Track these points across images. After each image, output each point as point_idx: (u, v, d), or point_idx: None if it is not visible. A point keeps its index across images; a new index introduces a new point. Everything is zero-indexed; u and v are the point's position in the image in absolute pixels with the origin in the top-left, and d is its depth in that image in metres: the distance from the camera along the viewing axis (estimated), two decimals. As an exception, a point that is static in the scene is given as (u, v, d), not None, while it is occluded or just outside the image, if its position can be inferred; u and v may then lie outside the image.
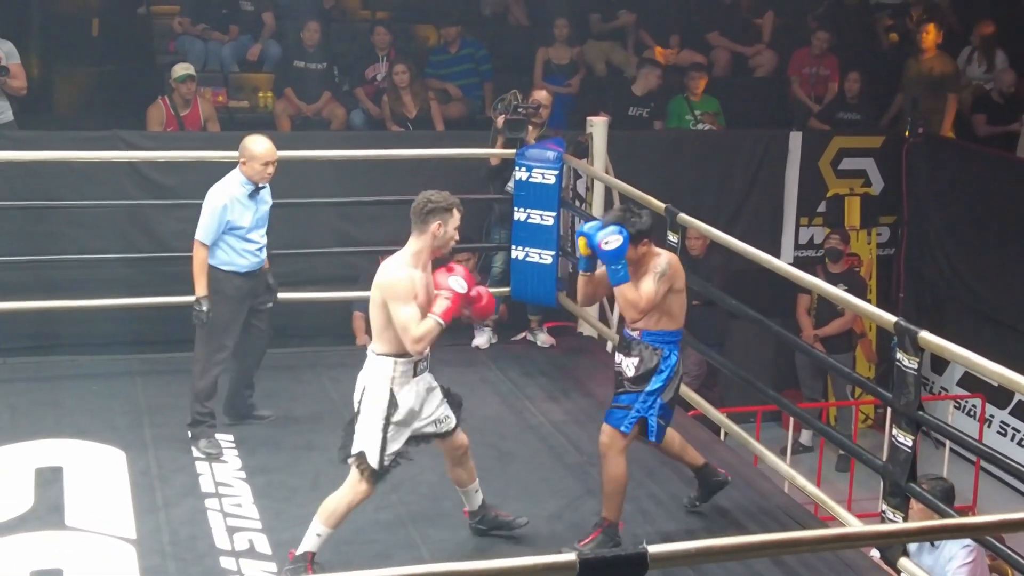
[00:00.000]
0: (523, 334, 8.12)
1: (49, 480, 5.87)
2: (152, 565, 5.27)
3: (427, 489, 5.82)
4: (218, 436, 6.41)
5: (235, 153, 6.81)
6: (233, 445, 6.37)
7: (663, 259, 5.49)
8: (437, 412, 5.22)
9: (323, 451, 6.38)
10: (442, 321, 5.00)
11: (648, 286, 5.43)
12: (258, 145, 6.23)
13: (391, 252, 8.23)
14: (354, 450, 5.12)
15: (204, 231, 6.19)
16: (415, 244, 5.11)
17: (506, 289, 7.85)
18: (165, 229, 8.44)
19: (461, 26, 10.25)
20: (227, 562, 5.33)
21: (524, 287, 7.81)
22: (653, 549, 3.02)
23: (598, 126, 8.01)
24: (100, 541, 5.43)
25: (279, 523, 5.65)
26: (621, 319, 5.84)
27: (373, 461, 5.07)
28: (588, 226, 5.48)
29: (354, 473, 5.13)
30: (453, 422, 5.27)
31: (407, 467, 6.11)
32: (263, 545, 5.46)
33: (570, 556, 2.99)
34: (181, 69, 9.13)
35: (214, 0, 10.44)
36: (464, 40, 10.24)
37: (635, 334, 5.54)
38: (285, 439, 6.49)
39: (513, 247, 7.73)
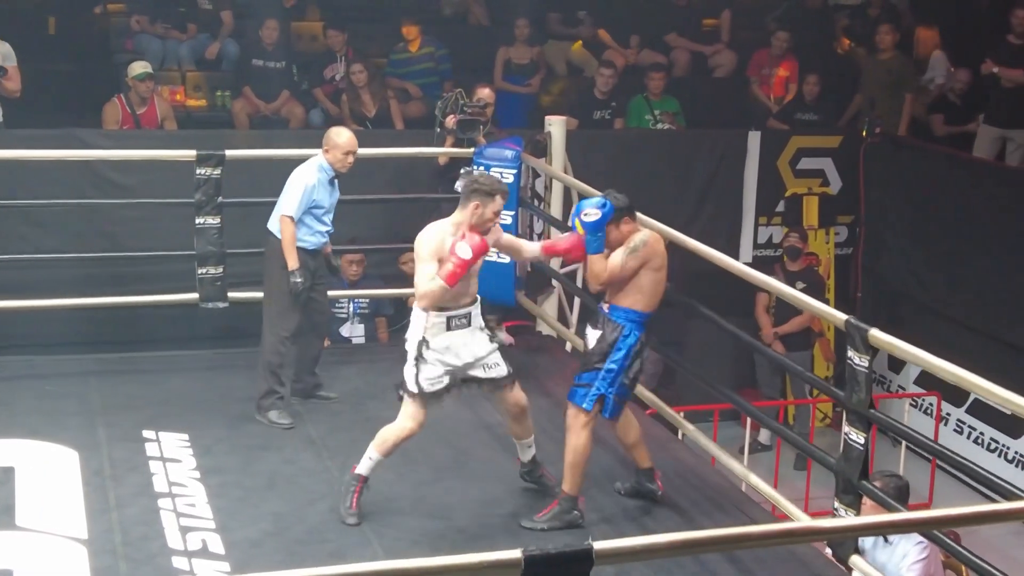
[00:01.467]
0: (481, 333, 8.08)
1: (0, 480, 5.81)
2: (103, 565, 5.22)
3: (383, 487, 5.79)
4: (172, 435, 6.38)
5: (191, 153, 7.16)
6: (188, 445, 6.33)
7: (640, 236, 5.62)
8: (487, 358, 5.64)
9: (278, 451, 6.36)
10: (446, 284, 5.42)
11: (615, 259, 5.56)
12: (341, 136, 6.65)
13: (350, 252, 8.37)
14: (398, 382, 5.60)
15: (293, 207, 6.49)
16: (457, 216, 5.59)
17: (464, 288, 7.83)
18: (121, 228, 8.38)
19: (421, 26, 10.23)
20: (179, 562, 5.28)
21: (483, 286, 7.67)
22: (598, 545, 3.03)
23: (556, 124, 8.01)
24: (51, 541, 5.37)
25: (233, 523, 5.61)
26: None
27: (411, 386, 5.53)
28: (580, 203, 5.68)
29: (404, 405, 5.59)
30: (504, 370, 5.67)
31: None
32: (216, 545, 5.42)
33: (515, 553, 2.99)
34: (139, 67, 9.07)
35: (172, -2, 10.40)
36: (424, 39, 10.22)
37: (604, 307, 5.69)
38: (240, 439, 6.45)
39: (471, 246, 7.71)
